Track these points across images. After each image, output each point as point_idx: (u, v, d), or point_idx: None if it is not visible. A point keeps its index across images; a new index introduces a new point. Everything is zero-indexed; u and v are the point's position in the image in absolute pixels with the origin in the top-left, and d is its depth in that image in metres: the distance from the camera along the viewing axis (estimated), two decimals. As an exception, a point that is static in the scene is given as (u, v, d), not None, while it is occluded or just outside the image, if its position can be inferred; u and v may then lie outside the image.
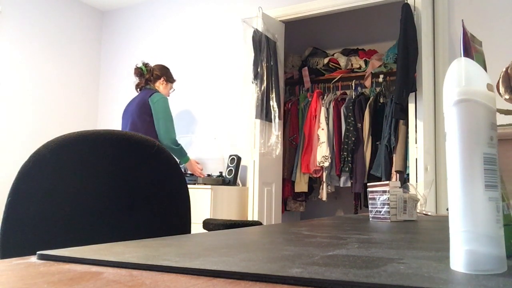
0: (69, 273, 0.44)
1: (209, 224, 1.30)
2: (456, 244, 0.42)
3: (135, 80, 3.39)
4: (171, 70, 4.40)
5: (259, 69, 3.58)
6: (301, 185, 3.87)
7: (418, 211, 1.54)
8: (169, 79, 3.42)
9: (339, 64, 4.09)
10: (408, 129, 3.11)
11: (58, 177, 0.96)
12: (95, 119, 4.85)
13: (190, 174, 3.50)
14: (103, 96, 4.87)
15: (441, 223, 1.12)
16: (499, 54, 2.94)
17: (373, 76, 3.89)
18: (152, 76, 3.32)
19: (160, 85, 3.35)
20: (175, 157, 3.07)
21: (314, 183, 3.95)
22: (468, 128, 0.43)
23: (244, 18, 3.74)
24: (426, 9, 3.16)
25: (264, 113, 3.54)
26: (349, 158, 3.66)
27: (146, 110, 3.12)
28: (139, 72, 3.34)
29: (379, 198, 1.21)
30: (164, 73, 3.40)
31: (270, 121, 3.60)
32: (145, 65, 3.36)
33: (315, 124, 3.84)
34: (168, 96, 3.40)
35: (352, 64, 4.06)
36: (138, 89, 3.34)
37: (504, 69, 0.90)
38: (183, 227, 1.16)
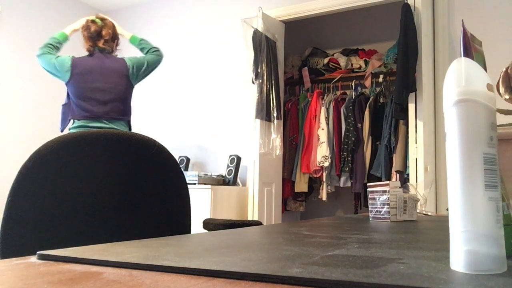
0: (69, 273, 0.44)
1: (209, 224, 1.30)
2: (456, 244, 0.42)
3: (85, 32, 2.69)
4: (171, 70, 4.41)
5: (259, 69, 3.58)
6: (301, 185, 3.87)
7: (418, 211, 1.54)
8: (119, 42, 2.81)
9: (339, 64, 4.09)
10: (408, 129, 3.11)
11: (58, 177, 0.96)
12: (95, 119, 4.85)
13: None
14: (103, 96, 4.86)
15: (441, 223, 1.12)
16: (499, 54, 2.94)
17: (373, 76, 3.89)
18: (109, 36, 2.69)
19: (114, 49, 2.76)
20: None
21: (314, 183, 3.95)
22: (468, 128, 0.42)
23: (244, 18, 3.74)
24: (426, 9, 3.16)
25: (264, 113, 3.54)
26: (349, 158, 3.66)
27: (129, 86, 2.66)
28: (97, 29, 2.67)
29: (379, 198, 1.21)
30: (116, 34, 2.77)
31: (270, 121, 3.60)
32: (102, 19, 2.71)
33: (315, 124, 3.84)
34: None
35: (352, 64, 4.07)
36: (91, 50, 2.66)
37: (504, 69, 0.90)
38: (183, 227, 1.16)
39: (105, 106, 2.57)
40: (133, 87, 2.72)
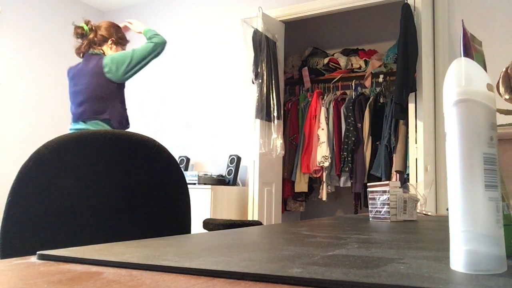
0: (69, 273, 0.44)
1: (209, 224, 1.30)
2: (456, 244, 0.42)
3: (75, 43, 2.77)
4: (171, 70, 4.41)
5: (259, 69, 3.58)
6: (301, 185, 3.87)
7: (418, 211, 1.54)
8: (120, 40, 2.79)
9: (339, 64, 4.09)
10: (408, 129, 3.11)
11: (58, 177, 0.96)
12: (95, 119, 4.84)
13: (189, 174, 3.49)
14: (103, 96, 4.86)
15: (441, 223, 1.12)
16: (499, 54, 2.94)
17: (373, 76, 3.89)
18: (96, 38, 2.70)
19: (107, 49, 2.72)
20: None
21: (314, 183, 3.95)
22: (468, 128, 0.42)
23: (244, 18, 3.74)
24: (426, 9, 3.16)
25: (264, 113, 3.55)
26: (349, 158, 3.66)
27: (106, 84, 2.59)
28: (79, 32, 2.70)
29: (379, 198, 1.21)
30: (111, 33, 2.75)
31: (270, 121, 3.61)
32: (87, 22, 2.73)
33: (315, 124, 3.84)
34: None
35: (352, 64, 4.07)
36: (81, 55, 2.71)
37: (504, 69, 0.90)
38: (183, 227, 1.16)
39: (81, 108, 2.59)
40: (116, 83, 2.62)
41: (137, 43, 3.05)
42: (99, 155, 1.03)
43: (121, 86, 2.67)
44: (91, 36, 2.69)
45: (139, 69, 2.66)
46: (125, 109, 2.70)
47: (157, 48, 2.71)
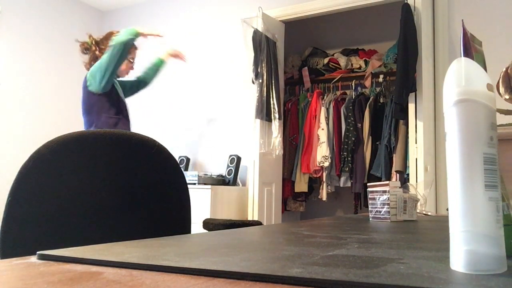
0: (69, 273, 0.44)
1: (209, 224, 1.30)
2: (456, 244, 0.42)
3: (83, 59, 2.77)
4: (171, 70, 4.41)
5: (259, 69, 3.58)
6: (301, 185, 3.87)
7: (418, 211, 1.54)
8: None
9: (339, 64, 4.09)
10: (408, 129, 3.11)
11: (58, 177, 0.96)
12: (95, 119, 4.84)
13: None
14: (103, 96, 4.86)
15: (441, 223, 1.12)
16: (499, 54, 2.94)
17: (373, 76, 3.89)
18: (98, 52, 2.68)
19: None
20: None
21: (314, 183, 3.95)
22: (468, 128, 0.42)
23: (244, 18, 3.74)
24: (426, 9, 3.16)
25: (264, 113, 3.55)
26: (349, 158, 3.66)
27: (90, 97, 2.60)
28: (85, 47, 2.71)
29: (379, 198, 1.21)
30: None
31: (270, 121, 3.60)
32: (89, 36, 2.73)
33: (315, 124, 3.84)
34: (132, 70, 2.81)
35: (352, 64, 4.07)
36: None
37: (504, 69, 0.90)
38: (183, 227, 1.16)
39: (83, 121, 2.71)
40: (99, 94, 2.61)
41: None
42: (99, 155, 1.03)
43: (106, 96, 2.66)
44: (93, 49, 2.73)
45: (111, 74, 2.58)
46: (115, 117, 2.68)
47: (115, 49, 2.57)
